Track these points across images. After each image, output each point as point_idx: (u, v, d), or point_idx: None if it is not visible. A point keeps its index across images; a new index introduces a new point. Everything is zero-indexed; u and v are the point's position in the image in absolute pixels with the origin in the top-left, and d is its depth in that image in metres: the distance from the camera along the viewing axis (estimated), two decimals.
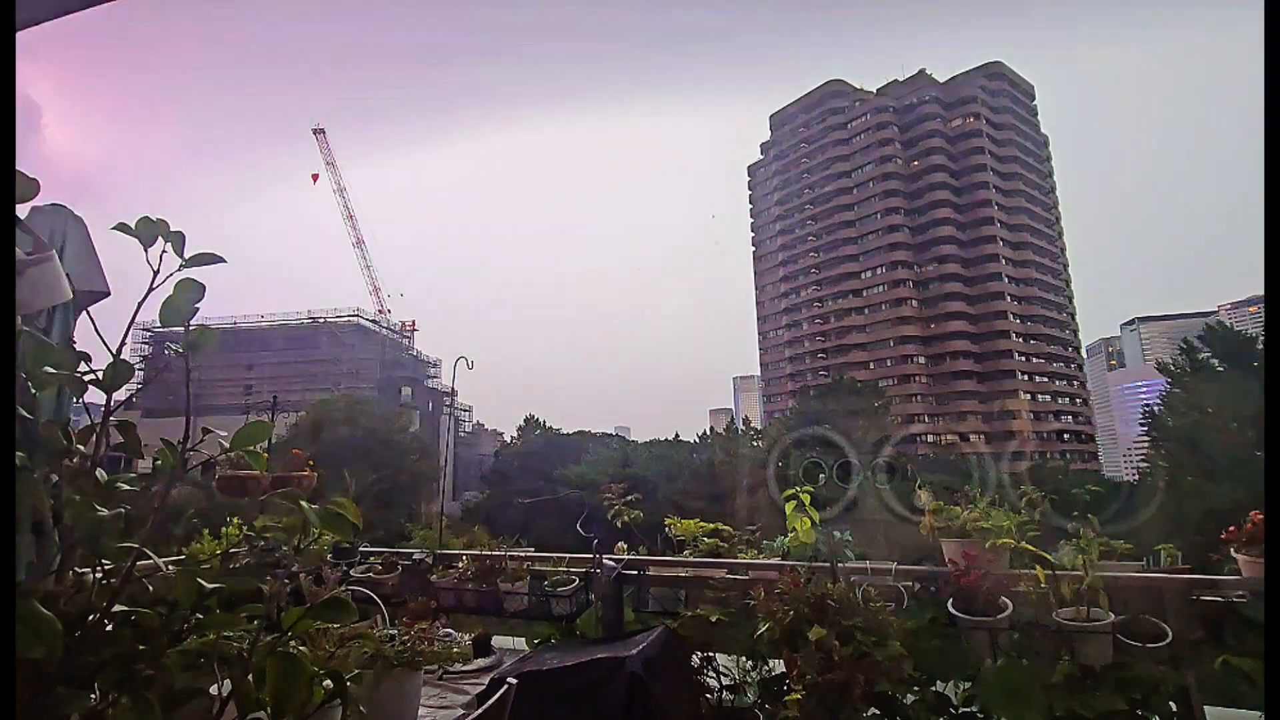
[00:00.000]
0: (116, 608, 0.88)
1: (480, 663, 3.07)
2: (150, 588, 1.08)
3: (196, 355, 1.08)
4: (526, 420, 52.13)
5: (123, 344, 1.11)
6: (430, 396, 70.21)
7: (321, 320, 65.46)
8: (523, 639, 3.84)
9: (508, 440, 56.66)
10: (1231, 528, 2.87)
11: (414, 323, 74.22)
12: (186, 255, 1.10)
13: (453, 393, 62.16)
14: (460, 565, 3.82)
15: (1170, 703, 2.62)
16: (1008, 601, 2.85)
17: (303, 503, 0.95)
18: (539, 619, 3.74)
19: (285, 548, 3.79)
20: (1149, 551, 3.12)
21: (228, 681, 0.91)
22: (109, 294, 3.47)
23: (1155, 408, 25.66)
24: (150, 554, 0.89)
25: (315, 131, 75.80)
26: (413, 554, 4.06)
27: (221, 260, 1.13)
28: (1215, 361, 24.30)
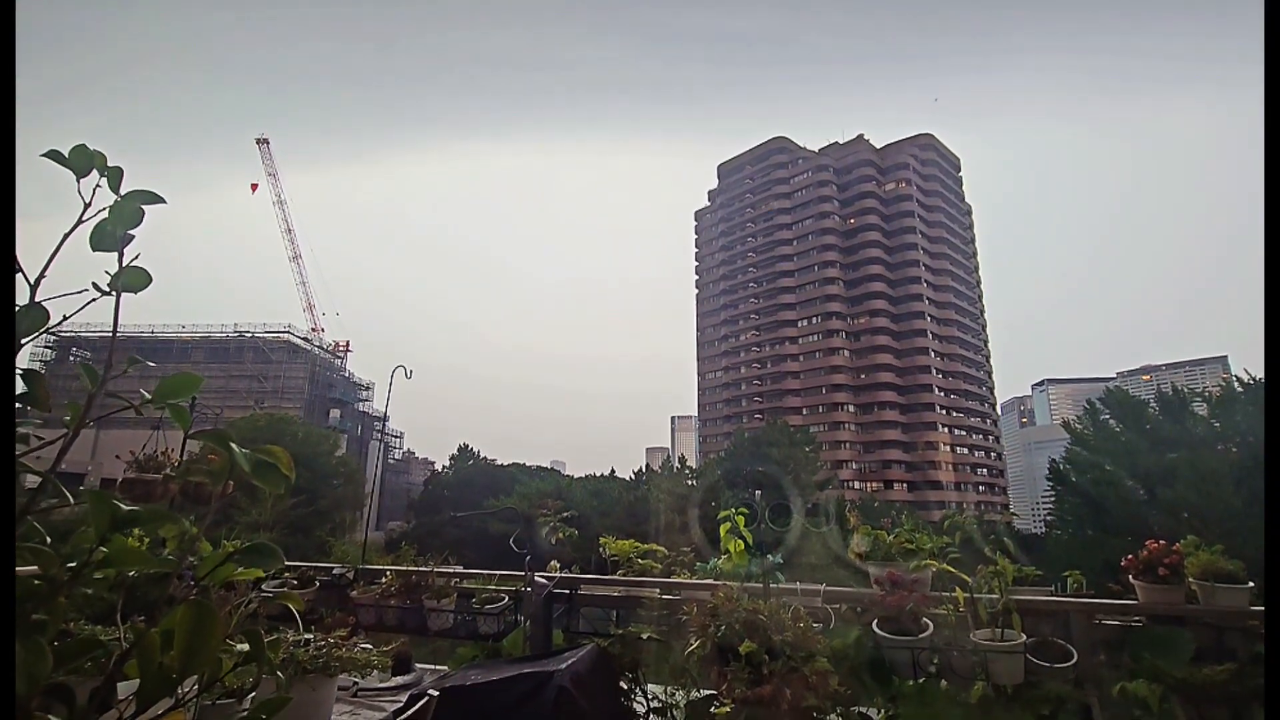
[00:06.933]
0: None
1: (399, 680, 2.91)
2: (48, 539, 1.00)
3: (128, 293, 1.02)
4: (459, 449, 50.50)
5: (41, 277, 1.05)
6: (360, 420, 67.24)
7: (249, 334, 62.09)
8: (445, 667, 3.65)
9: (439, 469, 54.69)
10: (1129, 556, 3.08)
11: (348, 343, 71.44)
12: (123, 193, 1.06)
13: (384, 417, 59.75)
14: (384, 580, 3.63)
15: None
16: (929, 622, 2.94)
17: (232, 444, 0.90)
18: (464, 639, 3.58)
19: (192, 558, 3.54)
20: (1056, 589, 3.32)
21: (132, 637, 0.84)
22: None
23: (1060, 464, 27.23)
24: (63, 488, 0.82)
25: (259, 141, 73.23)
26: (332, 569, 3.84)
27: (162, 200, 1.10)
28: (1113, 423, 26.19)
